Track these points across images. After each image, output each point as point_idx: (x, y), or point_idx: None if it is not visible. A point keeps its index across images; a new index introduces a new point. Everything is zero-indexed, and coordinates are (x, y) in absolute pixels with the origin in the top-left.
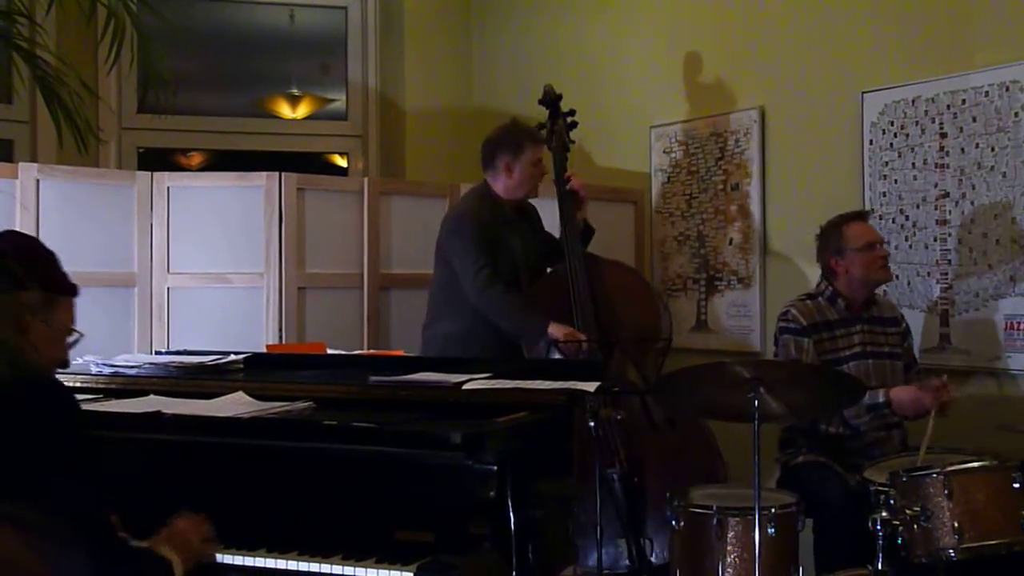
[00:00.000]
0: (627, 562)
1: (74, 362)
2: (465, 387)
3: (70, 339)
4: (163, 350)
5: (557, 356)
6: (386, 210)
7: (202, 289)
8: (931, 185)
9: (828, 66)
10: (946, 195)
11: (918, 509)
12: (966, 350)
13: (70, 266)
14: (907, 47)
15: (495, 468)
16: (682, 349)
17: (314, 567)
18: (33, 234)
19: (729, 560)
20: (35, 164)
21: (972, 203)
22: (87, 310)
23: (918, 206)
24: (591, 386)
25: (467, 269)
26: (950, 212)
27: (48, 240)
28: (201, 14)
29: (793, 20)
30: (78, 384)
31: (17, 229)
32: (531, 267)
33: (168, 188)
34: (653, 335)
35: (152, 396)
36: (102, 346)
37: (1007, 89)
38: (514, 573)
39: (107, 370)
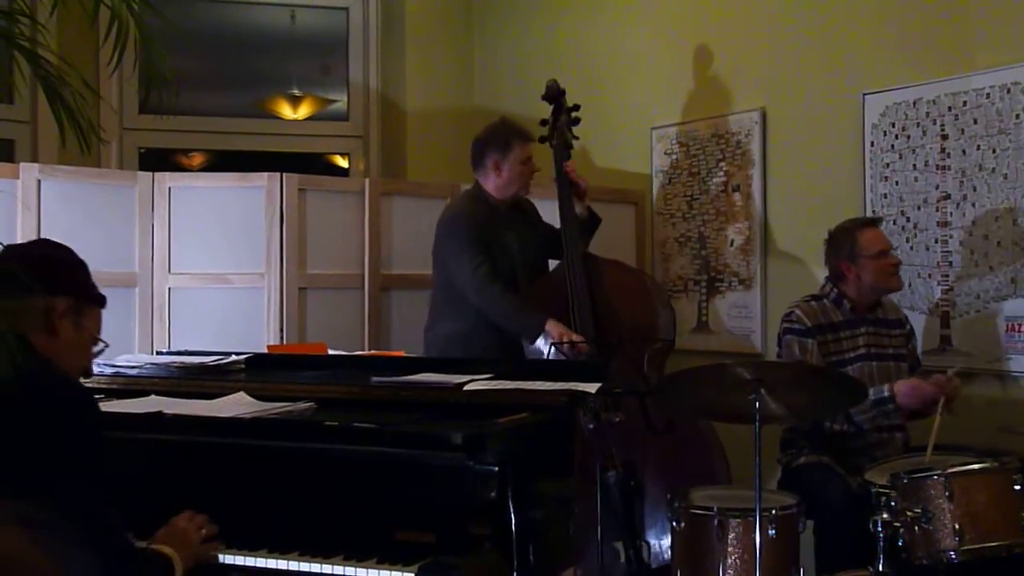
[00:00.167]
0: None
1: None
2: (466, 388)
3: (95, 348)
4: (164, 350)
5: (553, 352)
6: (387, 211)
7: (203, 289)
8: (932, 187)
9: (829, 67)
10: (947, 197)
11: (919, 511)
12: (967, 352)
13: None
14: (908, 49)
15: (496, 469)
16: (683, 350)
17: (315, 567)
18: (33, 234)
19: (730, 561)
20: (36, 164)
21: (973, 205)
22: None
23: (919, 208)
24: (592, 387)
25: (465, 268)
26: (951, 214)
27: None
28: (202, 14)
29: (794, 22)
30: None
31: (19, 229)
32: (529, 264)
33: (169, 188)
34: (651, 335)
35: (153, 396)
36: None
37: (1008, 91)
38: (515, 574)
39: (108, 370)
